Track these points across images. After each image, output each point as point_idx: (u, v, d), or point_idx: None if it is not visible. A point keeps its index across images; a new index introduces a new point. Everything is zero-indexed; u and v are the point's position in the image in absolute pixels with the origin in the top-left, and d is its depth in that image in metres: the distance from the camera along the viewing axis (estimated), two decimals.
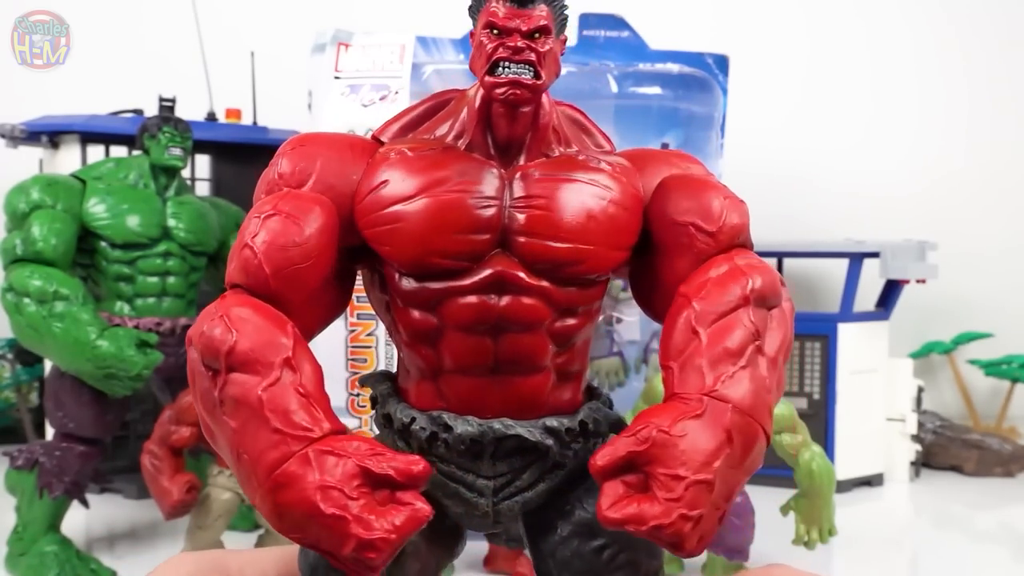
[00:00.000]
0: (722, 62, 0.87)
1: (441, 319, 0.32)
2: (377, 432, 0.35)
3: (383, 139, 0.34)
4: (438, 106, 0.35)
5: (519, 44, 0.31)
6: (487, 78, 0.31)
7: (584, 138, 0.35)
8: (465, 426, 0.32)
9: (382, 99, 0.82)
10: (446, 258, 0.31)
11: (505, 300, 0.31)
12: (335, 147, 0.33)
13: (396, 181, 0.32)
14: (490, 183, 0.32)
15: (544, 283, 0.32)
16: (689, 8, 1.44)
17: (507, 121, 0.32)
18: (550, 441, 0.32)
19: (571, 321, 0.33)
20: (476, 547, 0.77)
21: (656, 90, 0.85)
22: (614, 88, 0.84)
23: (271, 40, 1.25)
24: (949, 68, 1.46)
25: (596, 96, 0.84)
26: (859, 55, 1.47)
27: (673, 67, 0.85)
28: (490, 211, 0.31)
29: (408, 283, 0.32)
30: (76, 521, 0.83)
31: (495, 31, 0.31)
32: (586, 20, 0.86)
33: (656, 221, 0.32)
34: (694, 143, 0.85)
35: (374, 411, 0.35)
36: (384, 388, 0.35)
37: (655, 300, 0.33)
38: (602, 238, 0.32)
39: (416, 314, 0.32)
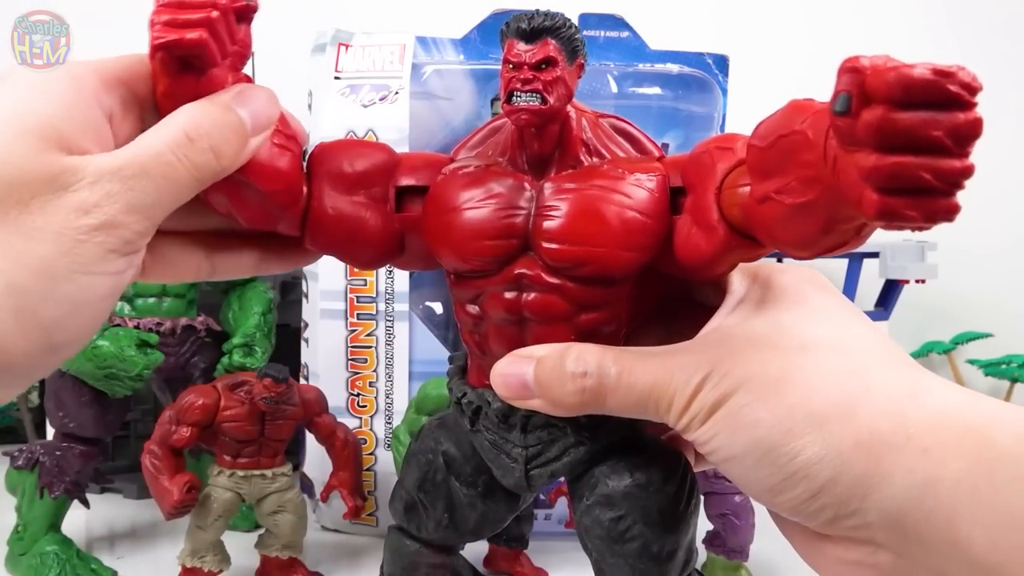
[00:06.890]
0: (722, 62, 0.87)
1: (482, 311, 0.38)
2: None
3: (456, 158, 0.40)
4: (493, 130, 0.40)
5: (528, 75, 0.35)
6: (505, 106, 0.36)
7: (628, 146, 0.39)
8: (499, 402, 0.38)
9: (382, 99, 0.82)
10: (481, 259, 0.37)
11: (528, 296, 0.37)
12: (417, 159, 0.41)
13: (443, 196, 0.38)
14: (520, 194, 0.37)
15: (562, 281, 0.36)
16: (689, 8, 1.44)
17: (534, 140, 0.37)
18: (565, 418, 0.38)
19: (594, 315, 0.37)
20: (476, 547, 0.77)
21: (656, 90, 0.85)
22: (614, 88, 0.84)
23: (271, 40, 1.25)
24: None
25: (596, 96, 0.84)
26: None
27: (673, 67, 0.85)
28: (517, 219, 0.36)
29: (457, 281, 0.39)
30: (76, 521, 0.83)
31: (511, 65, 0.36)
32: (586, 20, 0.86)
33: (686, 174, 0.37)
34: (694, 143, 0.84)
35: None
36: (453, 368, 0.43)
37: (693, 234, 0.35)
38: (613, 240, 0.35)
39: (466, 307, 0.39)
